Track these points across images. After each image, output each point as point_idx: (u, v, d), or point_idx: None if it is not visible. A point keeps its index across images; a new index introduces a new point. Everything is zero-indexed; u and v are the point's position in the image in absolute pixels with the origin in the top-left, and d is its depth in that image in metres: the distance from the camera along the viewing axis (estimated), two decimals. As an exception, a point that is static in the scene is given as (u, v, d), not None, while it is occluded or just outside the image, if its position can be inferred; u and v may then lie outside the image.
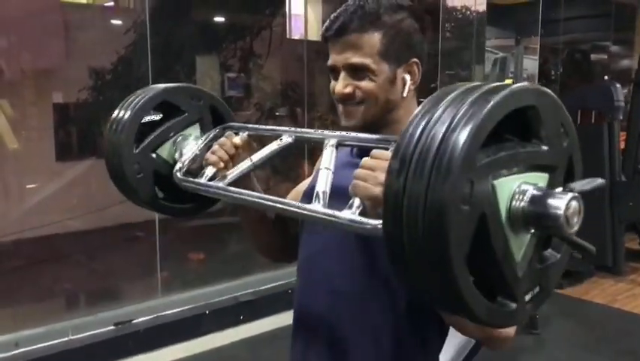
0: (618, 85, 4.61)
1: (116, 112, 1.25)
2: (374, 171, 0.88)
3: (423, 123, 0.69)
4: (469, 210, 0.67)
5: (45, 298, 3.54)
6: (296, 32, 5.88)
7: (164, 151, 1.29)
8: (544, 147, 0.76)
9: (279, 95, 5.56)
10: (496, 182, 0.70)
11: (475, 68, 4.78)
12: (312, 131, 1.15)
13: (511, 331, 1.01)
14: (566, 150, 0.79)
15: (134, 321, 3.06)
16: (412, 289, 0.76)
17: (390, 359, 1.08)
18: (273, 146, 1.15)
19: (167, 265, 3.93)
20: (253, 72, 5.34)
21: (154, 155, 1.27)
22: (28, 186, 4.65)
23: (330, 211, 0.91)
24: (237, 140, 1.19)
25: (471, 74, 4.88)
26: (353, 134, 1.06)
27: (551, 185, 0.76)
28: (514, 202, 0.71)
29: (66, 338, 2.86)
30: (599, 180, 0.78)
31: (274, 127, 1.21)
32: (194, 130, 1.32)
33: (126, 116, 1.23)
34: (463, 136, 0.65)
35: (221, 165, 1.16)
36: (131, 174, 1.24)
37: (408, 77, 1.06)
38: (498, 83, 0.72)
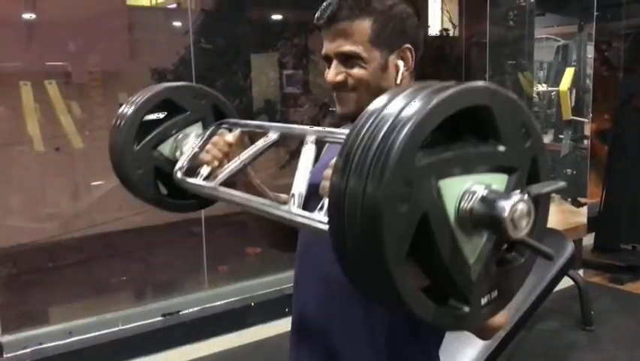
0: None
1: (120, 109, 1.29)
2: None
3: (370, 121, 0.68)
4: (408, 210, 0.65)
5: (99, 290, 3.71)
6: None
7: (165, 148, 1.31)
8: (501, 148, 0.73)
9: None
10: (442, 182, 0.68)
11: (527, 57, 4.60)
12: (296, 126, 1.14)
13: (501, 320, 0.99)
14: (528, 151, 0.76)
15: (182, 312, 3.16)
16: (357, 289, 0.75)
17: (386, 351, 1.07)
18: (260, 143, 1.15)
19: (227, 259, 4.03)
20: (310, 69, 5.37)
21: (155, 152, 1.30)
22: (95, 184, 4.87)
23: (302, 213, 0.91)
24: (230, 137, 1.20)
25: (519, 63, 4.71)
26: (332, 130, 1.05)
27: (511, 187, 0.74)
28: (462, 203, 0.69)
29: (116, 328, 2.98)
30: (560, 183, 0.76)
31: (263, 123, 1.22)
32: (197, 128, 1.34)
33: (128, 113, 1.26)
34: (400, 135, 0.64)
35: (216, 163, 1.18)
36: (131, 170, 1.27)
37: (401, 64, 1.06)
38: (449, 83, 0.70)
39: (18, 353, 2.76)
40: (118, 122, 1.27)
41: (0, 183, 4.33)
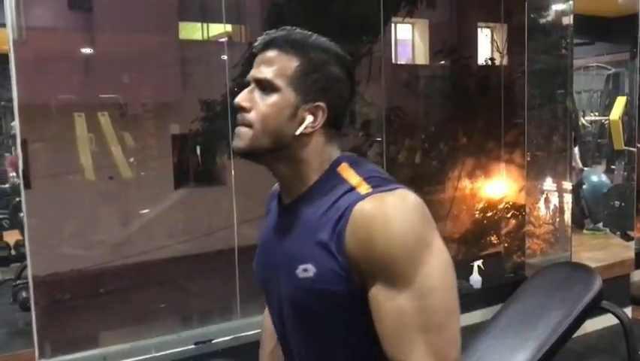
0: None
1: None
2: None
3: None
4: None
5: (137, 317, 3.79)
6: (402, 57, 5.90)
7: None
8: None
9: (383, 121, 5.57)
10: None
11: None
12: None
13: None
14: None
15: (214, 341, 3.19)
16: None
17: None
18: None
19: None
20: (356, 98, 5.40)
21: None
22: (144, 212, 5.01)
23: None
24: None
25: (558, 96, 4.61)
26: None
27: None
28: None
29: (149, 355, 3.03)
30: None
31: None
32: None
33: None
34: None
35: None
36: None
37: (309, 118, 1.02)
38: None
39: (53, 377, 2.85)
40: None
41: (54, 211, 4.50)
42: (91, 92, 4.66)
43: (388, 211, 0.94)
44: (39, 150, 4.13)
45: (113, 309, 3.96)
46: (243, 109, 1.04)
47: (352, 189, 1.00)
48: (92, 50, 4.68)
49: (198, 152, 5.05)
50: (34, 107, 3.91)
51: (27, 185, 3.11)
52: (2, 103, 6.62)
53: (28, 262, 3.02)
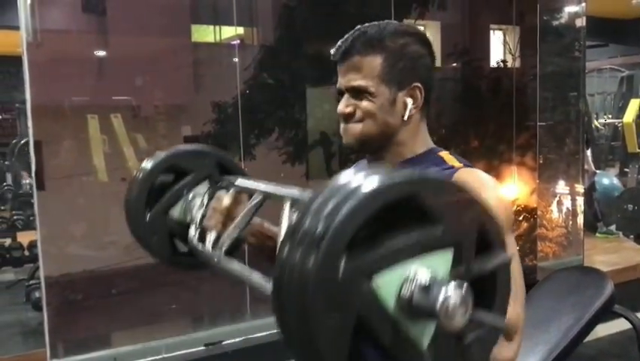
0: None
1: (132, 177, 1.36)
2: None
3: (308, 220, 0.66)
4: (339, 319, 0.65)
5: (147, 317, 3.80)
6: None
7: (176, 211, 1.36)
8: (439, 228, 0.71)
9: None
10: (377, 278, 0.67)
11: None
12: (280, 188, 1.08)
13: (508, 354, 1.05)
14: (471, 223, 0.75)
15: (224, 342, 3.19)
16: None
17: None
18: (249, 206, 1.17)
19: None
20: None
21: (167, 217, 1.35)
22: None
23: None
24: (226, 201, 1.23)
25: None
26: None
27: (458, 261, 0.72)
28: (403, 291, 0.68)
29: (159, 356, 3.04)
30: (502, 257, 0.76)
31: (251, 182, 1.22)
32: (204, 187, 1.38)
33: (135, 184, 1.34)
34: (317, 256, 0.63)
35: (220, 227, 1.21)
36: (147, 237, 1.35)
37: (410, 101, 1.09)
38: (378, 174, 0.68)
39: (64, 377, 2.87)
40: (128, 191, 1.34)
41: (67, 212, 4.52)
42: (104, 94, 4.68)
43: (484, 180, 1.04)
44: (52, 152, 4.16)
45: (124, 310, 3.98)
46: (348, 116, 1.11)
47: (450, 167, 1.08)
48: (104, 52, 4.72)
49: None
50: (47, 109, 3.94)
51: (40, 186, 3.13)
52: (17, 105, 6.69)
53: (41, 262, 3.05)
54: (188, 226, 1.31)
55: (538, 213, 4.70)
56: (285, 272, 0.66)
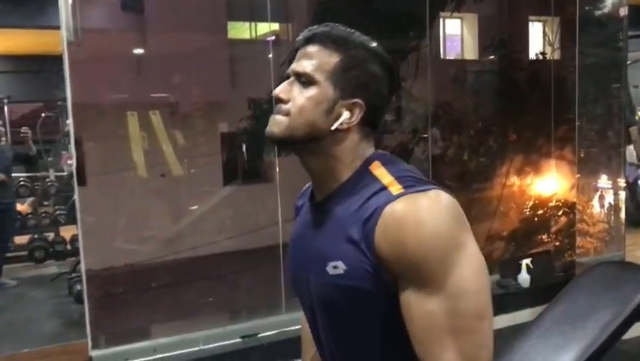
0: None
1: None
2: None
3: None
4: None
5: (186, 310, 3.86)
6: (451, 52, 5.83)
7: None
8: None
9: (430, 117, 5.53)
10: None
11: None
12: None
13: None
14: None
15: (260, 335, 3.23)
16: None
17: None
18: None
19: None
20: (402, 95, 5.36)
21: None
22: (193, 208, 5.10)
23: None
24: None
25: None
26: None
27: None
28: None
29: (197, 348, 3.10)
30: None
31: None
32: None
33: None
34: None
35: None
36: None
37: (345, 114, 1.02)
38: None
39: (105, 368, 2.95)
40: None
41: (107, 207, 4.63)
42: (142, 92, 4.77)
43: (420, 213, 0.92)
44: (93, 148, 4.26)
45: (163, 302, 4.06)
46: (280, 100, 1.05)
47: (383, 188, 0.99)
48: (143, 51, 4.80)
49: (244, 149, 5.12)
50: (87, 106, 4.03)
51: (81, 182, 3.20)
52: (59, 103, 6.86)
53: (82, 256, 3.12)
54: None
55: (579, 208, 4.60)
56: None
